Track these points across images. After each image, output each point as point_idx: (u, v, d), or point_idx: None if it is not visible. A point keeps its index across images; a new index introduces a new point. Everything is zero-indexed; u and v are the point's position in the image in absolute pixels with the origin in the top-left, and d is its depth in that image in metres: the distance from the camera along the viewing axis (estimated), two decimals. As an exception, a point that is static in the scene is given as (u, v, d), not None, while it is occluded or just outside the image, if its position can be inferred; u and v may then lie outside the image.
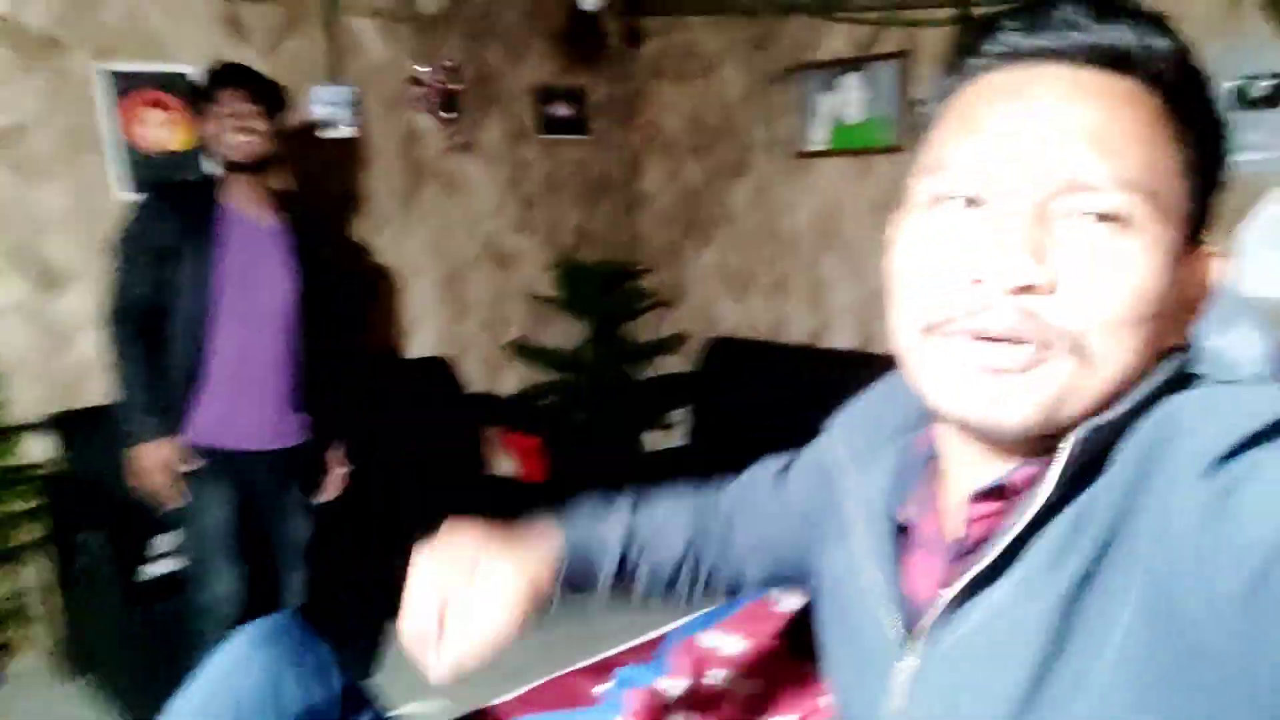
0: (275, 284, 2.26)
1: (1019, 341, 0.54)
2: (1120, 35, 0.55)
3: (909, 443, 0.73)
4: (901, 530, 0.70)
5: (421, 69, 3.45)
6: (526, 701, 1.61)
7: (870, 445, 0.75)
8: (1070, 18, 0.55)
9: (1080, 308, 0.54)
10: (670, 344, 4.20)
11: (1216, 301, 0.60)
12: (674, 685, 1.59)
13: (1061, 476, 0.56)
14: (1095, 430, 0.55)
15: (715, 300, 4.12)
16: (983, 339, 0.55)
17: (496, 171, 3.77)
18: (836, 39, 3.48)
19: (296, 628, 1.11)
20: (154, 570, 2.54)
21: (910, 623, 0.66)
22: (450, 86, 3.53)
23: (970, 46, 0.59)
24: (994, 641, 0.59)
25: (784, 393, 3.40)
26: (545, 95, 3.87)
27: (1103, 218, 0.54)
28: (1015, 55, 0.57)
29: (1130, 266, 0.54)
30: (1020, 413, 0.55)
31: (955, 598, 0.61)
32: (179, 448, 2.22)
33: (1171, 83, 0.56)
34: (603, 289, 4.02)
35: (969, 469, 0.64)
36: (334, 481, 2.51)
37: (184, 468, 2.22)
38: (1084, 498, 0.56)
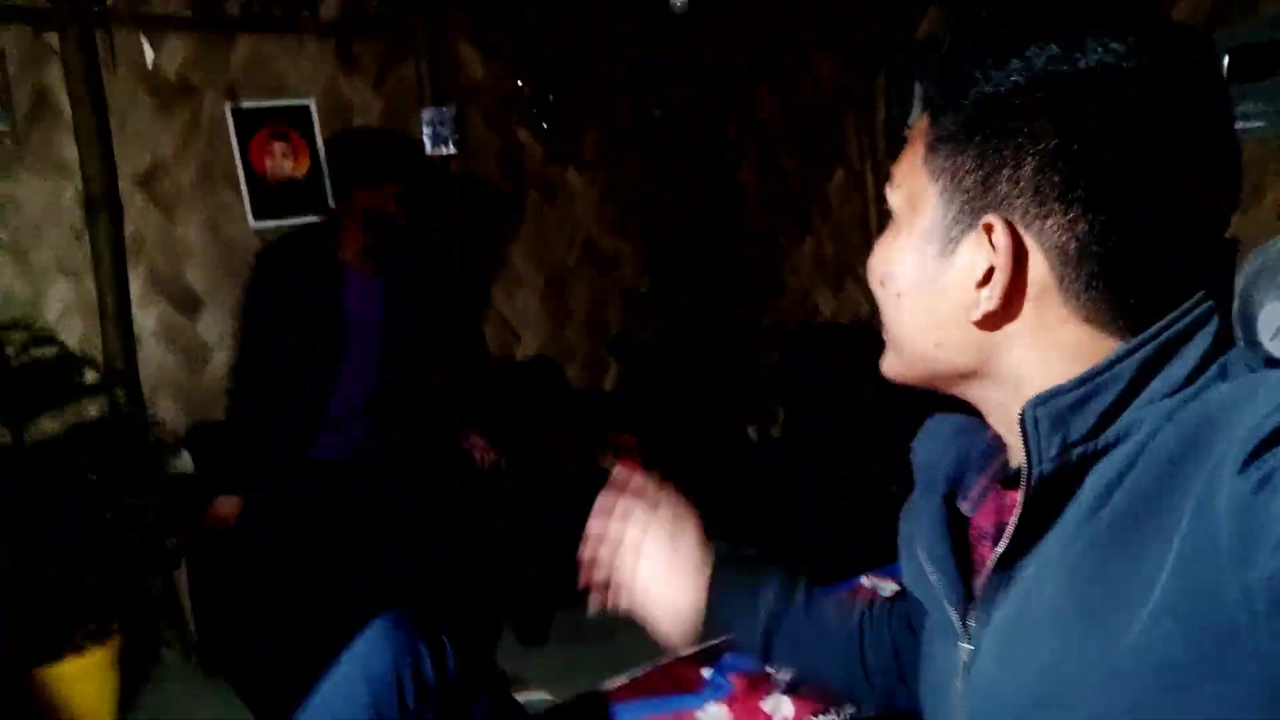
0: (394, 327, 2.49)
1: None
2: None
3: (971, 442, 0.77)
4: (968, 524, 0.75)
5: (521, 82, 3.58)
6: (634, 687, 1.69)
7: (932, 452, 0.79)
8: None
9: (874, 278, 0.72)
10: (768, 335, 4.23)
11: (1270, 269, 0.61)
12: (780, 669, 1.64)
13: (1030, 450, 0.59)
14: (1042, 403, 0.59)
15: (813, 290, 4.12)
16: None
17: (594, 176, 3.87)
18: (932, 19, 3.44)
19: (418, 619, 1.23)
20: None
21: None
22: (549, 98, 3.64)
23: None
24: (1024, 622, 0.62)
25: (883, 380, 3.38)
26: (641, 100, 3.94)
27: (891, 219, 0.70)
28: None
29: (889, 256, 0.69)
30: (882, 365, 0.75)
31: (996, 584, 0.65)
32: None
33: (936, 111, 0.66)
34: (700, 284, 4.07)
35: (1015, 457, 0.68)
36: (480, 450, 2.70)
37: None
38: (1110, 479, 0.58)
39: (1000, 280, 0.60)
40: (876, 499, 2.99)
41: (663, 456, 3.54)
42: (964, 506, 0.75)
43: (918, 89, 3.53)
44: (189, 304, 3.00)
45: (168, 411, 2.96)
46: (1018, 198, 0.59)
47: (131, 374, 2.87)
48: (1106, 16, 0.58)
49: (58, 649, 2.56)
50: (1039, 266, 0.60)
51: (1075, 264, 0.59)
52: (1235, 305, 0.61)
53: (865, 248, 3.86)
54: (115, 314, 2.82)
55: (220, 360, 3.04)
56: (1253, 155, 2.73)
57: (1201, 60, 0.59)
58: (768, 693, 1.56)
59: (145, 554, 2.83)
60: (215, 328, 3.04)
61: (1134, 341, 0.59)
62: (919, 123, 0.67)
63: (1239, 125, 2.61)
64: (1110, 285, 0.59)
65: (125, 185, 2.84)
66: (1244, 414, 0.52)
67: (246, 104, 3.01)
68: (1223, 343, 0.61)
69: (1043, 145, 0.58)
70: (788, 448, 3.79)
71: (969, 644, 0.69)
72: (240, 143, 3.01)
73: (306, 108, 3.12)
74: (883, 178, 3.63)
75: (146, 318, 2.93)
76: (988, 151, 0.60)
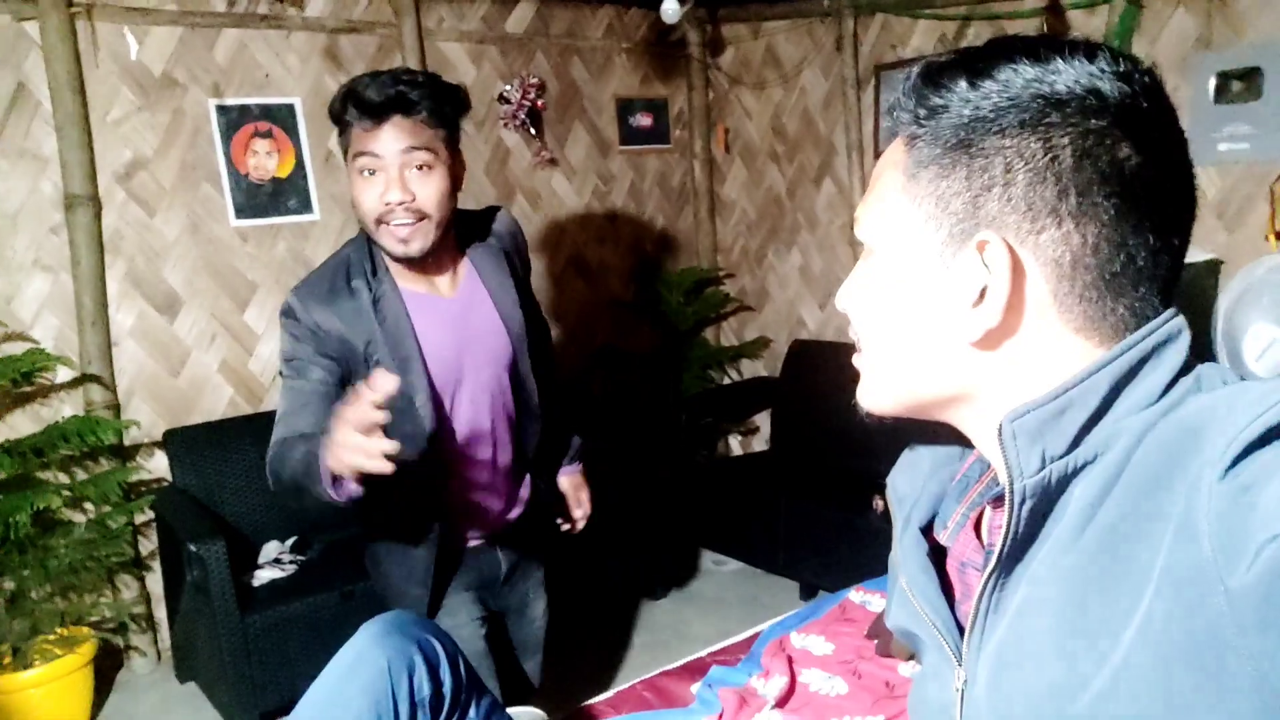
0: (490, 356, 1.71)
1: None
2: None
3: (950, 473, 0.78)
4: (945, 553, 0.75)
5: (508, 87, 3.56)
6: (620, 702, 1.67)
7: (911, 484, 0.80)
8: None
9: (852, 310, 0.72)
10: (753, 348, 4.24)
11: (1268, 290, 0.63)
12: (767, 685, 1.63)
13: (1010, 465, 0.60)
14: (1018, 416, 0.60)
15: (798, 304, 4.13)
16: None
17: (582, 184, 3.86)
18: (920, 37, 3.47)
19: (418, 622, 1.20)
20: (264, 577, 2.69)
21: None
22: (536, 103, 3.63)
23: None
24: (1016, 646, 0.62)
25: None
26: (627, 107, 3.95)
27: (864, 250, 0.69)
28: None
29: (869, 286, 0.69)
30: (859, 397, 0.72)
31: (986, 610, 0.65)
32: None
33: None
34: (685, 296, 4.07)
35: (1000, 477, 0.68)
36: (581, 504, 2.03)
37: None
38: (1093, 495, 0.58)
39: (1000, 296, 0.60)
40: (864, 512, 3.00)
41: (647, 469, 3.53)
42: (942, 536, 0.75)
43: (885, 120, 3.55)
44: (168, 303, 2.94)
45: (144, 413, 2.91)
46: (1010, 214, 0.60)
47: (108, 374, 2.82)
48: (1066, 46, 0.60)
49: (30, 655, 2.51)
50: (1035, 281, 0.61)
51: (1070, 276, 0.60)
52: (1219, 325, 0.63)
53: (852, 262, 3.89)
54: (93, 312, 2.77)
55: (198, 363, 2.99)
56: (1237, 179, 2.76)
57: (1159, 85, 0.61)
58: (757, 710, 1.54)
59: (118, 559, 2.77)
60: (194, 328, 2.99)
61: (1108, 355, 0.60)
62: (889, 153, 0.68)
63: (1223, 148, 2.73)
64: (1102, 296, 0.61)
65: (105, 180, 2.79)
66: (1223, 426, 0.53)
67: (230, 100, 2.97)
68: (1197, 354, 0.63)
69: (1033, 161, 0.59)
70: (773, 460, 3.78)
71: (962, 671, 0.69)
72: (223, 140, 2.97)
73: (292, 106, 3.08)
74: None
75: (124, 316, 2.87)
76: (975, 171, 0.61)
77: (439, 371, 1.63)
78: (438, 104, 1.55)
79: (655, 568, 3.37)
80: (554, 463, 1.98)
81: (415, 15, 3.27)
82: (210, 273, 3.00)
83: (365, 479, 1.31)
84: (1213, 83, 2.79)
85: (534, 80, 3.62)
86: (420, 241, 1.55)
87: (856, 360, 0.72)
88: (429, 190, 1.54)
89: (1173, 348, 0.61)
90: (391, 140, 1.51)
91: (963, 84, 0.61)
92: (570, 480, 2.02)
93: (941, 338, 0.64)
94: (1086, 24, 3.02)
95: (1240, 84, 2.74)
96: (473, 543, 1.78)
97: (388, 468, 1.23)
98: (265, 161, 3.05)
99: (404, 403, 1.55)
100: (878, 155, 3.63)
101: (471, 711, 1.21)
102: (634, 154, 4.01)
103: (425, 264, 1.63)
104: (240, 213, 3.02)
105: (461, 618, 1.72)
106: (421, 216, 1.54)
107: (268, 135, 3.05)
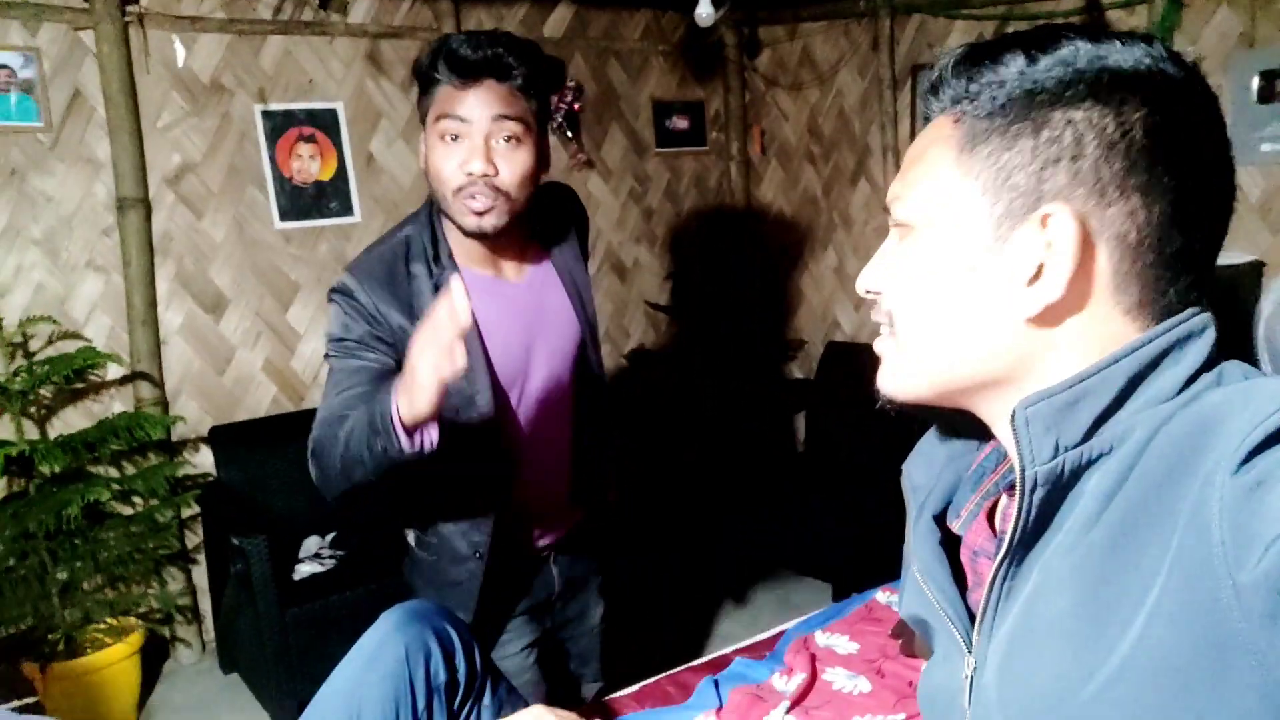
0: (560, 347, 1.58)
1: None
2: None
3: (967, 463, 0.78)
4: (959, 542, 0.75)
5: (546, 91, 3.60)
6: (644, 696, 1.69)
7: (927, 474, 0.79)
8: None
9: (887, 291, 0.69)
10: (789, 350, 4.24)
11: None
12: (787, 682, 1.64)
13: (1022, 451, 0.60)
14: (1032, 404, 0.60)
15: (833, 305, 4.12)
16: None
17: (618, 185, 3.89)
18: (957, 37, 3.45)
19: (436, 611, 1.24)
20: (304, 570, 2.76)
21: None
22: (574, 105, 3.67)
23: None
24: (1027, 634, 0.62)
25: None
26: (664, 109, 3.97)
27: (900, 229, 0.68)
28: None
29: (910, 266, 0.67)
30: (882, 383, 0.71)
31: (998, 598, 0.65)
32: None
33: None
34: (721, 296, 4.09)
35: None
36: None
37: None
38: (1107, 487, 0.58)
39: (1065, 269, 0.59)
40: (895, 514, 2.98)
41: (687, 471, 3.55)
42: (955, 525, 0.75)
43: (922, 103, 3.53)
44: (214, 303, 3.03)
45: (190, 410, 2.99)
46: (1078, 187, 0.59)
47: (157, 372, 2.91)
48: (1116, 33, 0.61)
49: (82, 643, 2.60)
50: (1100, 256, 0.60)
51: (1133, 254, 0.60)
52: (1260, 328, 0.62)
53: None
54: (143, 311, 2.85)
55: (243, 362, 3.07)
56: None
57: (1203, 77, 0.62)
58: (771, 708, 1.55)
59: (165, 551, 2.86)
60: (239, 327, 3.07)
61: (1128, 346, 0.60)
62: (933, 130, 0.67)
63: (1266, 148, 2.66)
64: (1159, 277, 0.60)
65: (155, 184, 2.88)
66: (1237, 420, 0.53)
67: (275, 105, 3.05)
68: (1241, 357, 0.62)
69: (1105, 134, 0.59)
70: (808, 461, 3.78)
71: (972, 658, 0.69)
72: (269, 144, 3.05)
73: (335, 111, 3.15)
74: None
75: (173, 316, 2.96)
76: (1042, 144, 0.60)
77: (504, 364, 1.48)
78: (536, 72, 1.40)
79: (689, 568, 3.39)
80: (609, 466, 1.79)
81: (455, 19, 3.32)
82: (255, 273, 3.08)
83: (443, 433, 1.21)
84: (1256, 82, 2.74)
85: (571, 83, 3.65)
86: (496, 219, 1.39)
87: (880, 345, 0.71)
88: (515, 167, 1.38)
89: (1196, 343, 0.60)
90: (482, 105, 1.35)
91: (1020, 59, 0.61)
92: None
93: (992, 315, 0.63)
94: (1126, 23, 2.99)
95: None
96: (530, 555, 1.62)
97: (463, 363, 1.12)
98: (308, 165, 3.13)
99: (462, 400, 1.42)
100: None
101: (486, 697, 1.24)
102: (670, 156, 4.03)
103: (495, 243, 1.47)
104: (284, 215, 3.10)
105: (511, 648, 1.60)
106: (502, 194, 1.38)
107: (311, 139, 3.12)
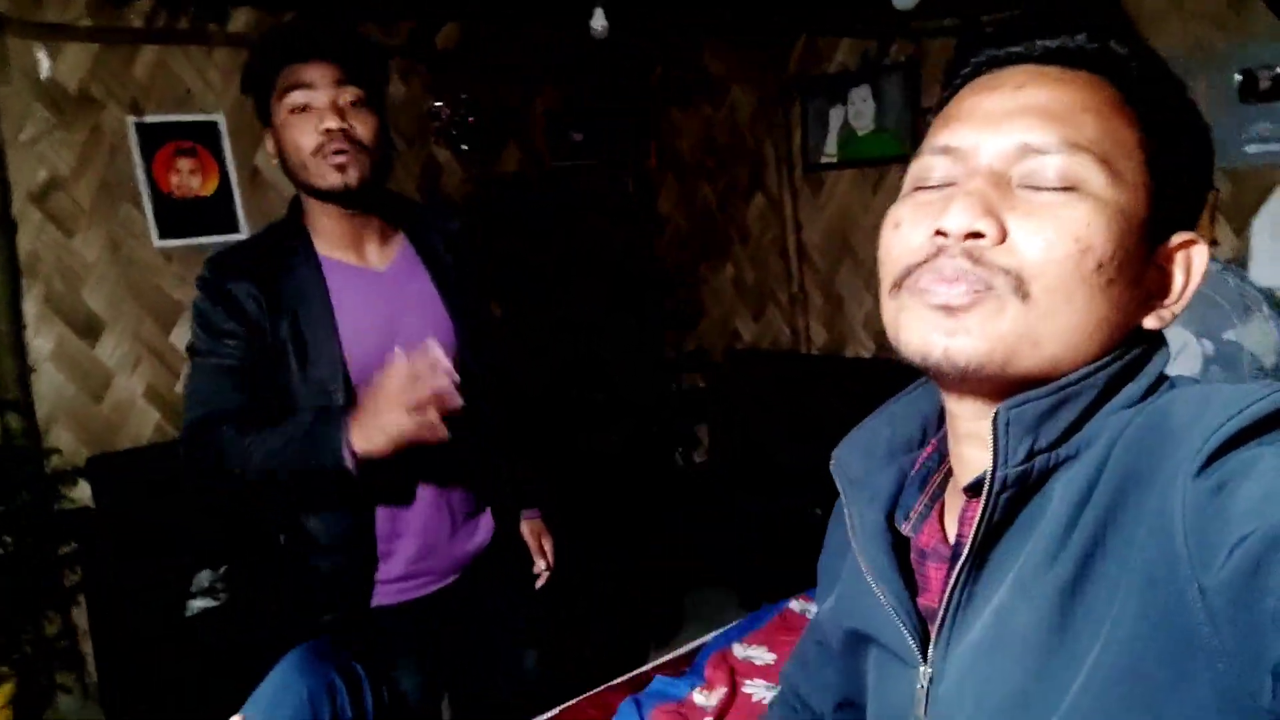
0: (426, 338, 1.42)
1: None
2: (1078, 40, 0.63)
3: (909, 461, 0.76)
4: (908, 545, 0.73)
5: (439, 103, 3.54)
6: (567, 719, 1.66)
7: (867, 469, 0.76)
8: (1036, 29, 0.64)
9: (1022, 249, 0.58)
10: (690, 361, 4.27)
11: (1232, 295, 0.65)
12: (708, 697, 1.64)
13: (997, 453, 0.59)
14: (1015, 406, 0.59)
15: (734, 317, 4.17)
16: (939, 282, 0.60)
17: (514, 200, 3.85)
18: (844, 52, 3.54)
19: (334, 651, 1.19)
20: (197, 606, 2.61)
21: (927, 634, 0.68)
22: (468, 119, 3.61)
23: (957, 61, 0.69)
24: (996, 644, 0.61)
25: (803, 405, 3.44)
26: (559, 123, 3.95)
27: (1056, 188, 0.59)
28: (992, 62, 0.66)
29: (1074, 220, 0.58)
30: (969, 347, 0.59)
31: (957, 604, 0.64)
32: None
33: (1127, 76, 0.63)
34: (622, 310, 4.09)
35: (968, 470, 0.67)
36: (545, 554, 1.82)
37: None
38: (1076, 497, 0.58)
39: (1185, 302, 0.61)
40: (801, 523, 3.04)
41: (587, 482, 3.52)
42: (905, 528, 0.73)
43: (829, 118, 3.61)
44: (88, 327, 2.85)
45: (65, 441, 2.81)
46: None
47: (26, 401, 2.72)
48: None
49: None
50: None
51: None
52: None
53: (784, 274, 3.93)
54: (9, 337, 2.66)
55: (121, 388, 2.90)
56: (1264, 179, 2.56)
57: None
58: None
59: (41, 592, 2.67)
60: (117, 352, 2.90)
61: (1112, 353, 0.61)
62: (1087, 87, 0.62)
63: (1251, 149, 2.62)
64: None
65: (19, 201, 2.69)
66: (1199, 425, 0.53)
67: (151, 118, 2.89)
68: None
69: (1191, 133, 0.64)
70: (713, 471, 3.81)
71: (928, 668, 0.67)
72: (144, 158, 2.89)
73: (215, 123, 3.02)
74: (800, 205, 3.71)
75: (42, 342, 2.77)
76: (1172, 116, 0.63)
77: (359, 354, 1.44)
78: (361, 53, 1.48)
79: (598, 583, 3.36)
80: (513, 495, 1.76)
81: (342, 31, 3.23)
82: (133, 294, 2.91)
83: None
84: (1237, 79, 2.57)
85: (465, 96, 3.60)
86: (357, 170, 1.42)
87: (983, 303, 0.59)
88: (367, 122, 1.44)
89: (1160, 352, 0.63)
90: (324, 72, 1.42)
91: (1130, 44, 0.62)
92: (530, 528, 1.79)
93: (1131, 312, 0.61)
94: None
95: (1270, 80, 2.52)
96: (409, 595, 1.52)
97: (445, 433, 1.26)
98: (188, 180, 2.98)
99: (314, 393, 1.41)
100: (806, 168, 3.66)
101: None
102: (567, 170, 4.01)
103: (355, 221, 1.49)
104: (164, 233, 2.94)
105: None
106: (359, 147, 1.42)
107: (191, 153, 2.98)
